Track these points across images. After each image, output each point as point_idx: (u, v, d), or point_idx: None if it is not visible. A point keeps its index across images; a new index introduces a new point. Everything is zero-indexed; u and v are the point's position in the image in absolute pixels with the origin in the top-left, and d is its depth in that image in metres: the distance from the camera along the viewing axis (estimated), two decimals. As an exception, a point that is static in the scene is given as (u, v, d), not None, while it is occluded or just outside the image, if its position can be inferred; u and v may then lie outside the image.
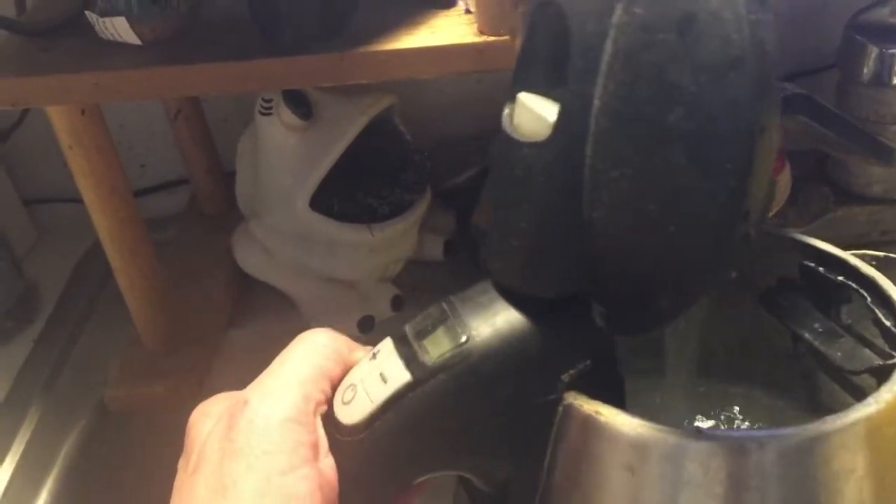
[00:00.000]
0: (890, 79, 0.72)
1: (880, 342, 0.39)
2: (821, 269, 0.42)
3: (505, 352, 0.33)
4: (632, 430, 0.33)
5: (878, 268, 0.40)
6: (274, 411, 0.33)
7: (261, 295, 0.77)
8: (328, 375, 0.35)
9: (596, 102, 0.30)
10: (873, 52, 0.72)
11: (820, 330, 0.41)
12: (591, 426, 0.33)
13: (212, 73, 0.55)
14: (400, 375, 0.33)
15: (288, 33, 0.54)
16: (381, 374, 0.33)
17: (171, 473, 0.34)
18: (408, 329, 0.35)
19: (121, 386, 0.71)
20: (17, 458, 0.68)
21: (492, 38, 0.54)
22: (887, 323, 0.39)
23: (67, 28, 0.59)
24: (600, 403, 0.33)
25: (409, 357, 0.33)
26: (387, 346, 0.35)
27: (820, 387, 0.44)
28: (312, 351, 0.35)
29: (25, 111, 0.84)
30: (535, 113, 0.32)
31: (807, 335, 0.41)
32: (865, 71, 0.73)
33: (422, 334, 0.34)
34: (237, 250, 0.76)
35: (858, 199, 0.78)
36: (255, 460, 0.31)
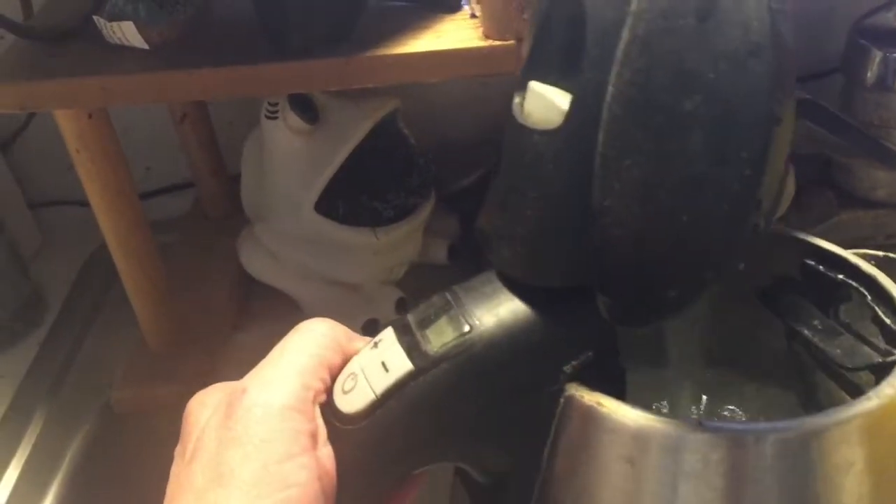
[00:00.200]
0: (894, 83, 0.72)
1: (879, 341, 0.39)
2: (821, 267, 0.42)
3: (508, 342, 0.33)
4: (633, 422, 0.33)
5: (877, 267, 0.40)
6: (272, 400, 0.33)
7: (265, 298, 0.77)
8: (327, 365, 0.35)
9: (610, 90, 0.30)
10: (878, 56, 0.72)
11: (819, 327, 0.41)
12: (592, 417, 0.33)
13: (218, 78, 0.56)
14: (401, 364, 0.33)
15: (294, 38, 0.54)
16: (383, 363, 0.33)
17: (176, 475, 0.34)
18: (410, 318, 0.35)
19: (126, 388, 0.71)
20: (23, 459, 0.68)
21: (497, 43, 0.54)
22: (887, 321, 0.39)
23: (75, 32, 0.59)
24: (602, 395, 0.33)
25: (412, 346, 0.33)
26: (389, 334, 0.35)
27: (817, 385, 0.44)
28: (311, 340, 0.35)
29: (31, 115, 0.84)
30: (548, 100, 0.32)
31: (806, 332, 0.41)
32: (870, 75, 0.73)
33: (424, 323, 0.34)
34: (242, 253, 0.77)
35: (863, 203, 0.78)
36: (253, 448, 0.31)
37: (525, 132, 0.32)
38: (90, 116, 0.58)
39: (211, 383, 0.35)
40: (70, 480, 0.69)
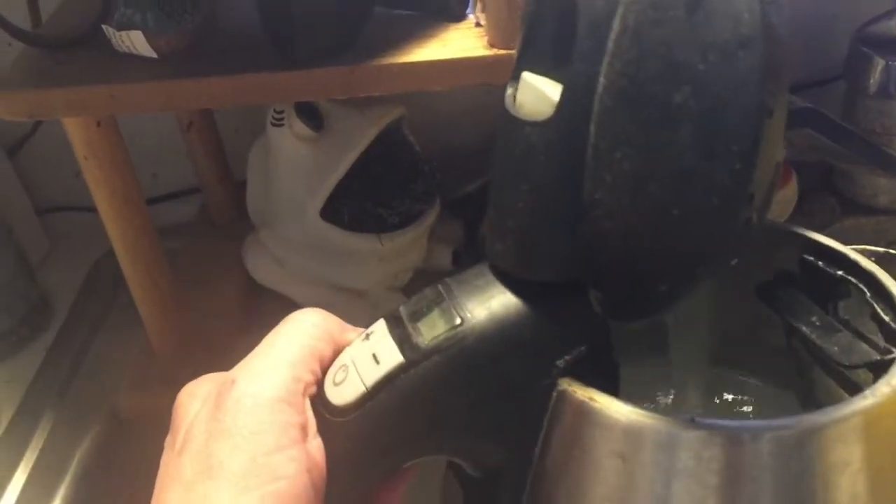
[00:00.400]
0: (896, 91, 0.73)
1: (877, 338, 0.39)
2: (820, 263, 0.41)
3: (500, 335, 0.33)
4: (625, 418, 0.32)
5: (877, 264, 0.40)
6: (262, 391, 0.32)
7: (271, 303, 0.77)
8: (318, 356, 0.34)
9: (601, 81, 0.29)
10: (880, 64, 0.73)
11: (817, 324, 0.41)
12: (584, 412, 0.33)
13: (226, 86, 0.56)
14: (393, 357, 0.33)
15: (301, 47, 0.54)
16: (374, 355, 0.33)
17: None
18: (402, 310, 0.34)
19: (133, 393, 0.71)
20: (30, 465, 0.68)
21: (502, 52, 0.55)
22: (886, 318, 0.38)
23: (83, 41, 0.60)
24: (594, 390, 0.33)
25: (403, 338, 0.33)
26: (380, 326, 0.34)
27: (815, 382, 0.44)
28: (302, 331, 0.35)
29: (39, 121, 0.85)
30: (539, 91, 0.32)
31: (804, 329, 0.41)
32: (872, 83, 0.74)
33: (416, 315, 0.34)
34: (248, 259, 0.77)
35: (864, 210, 0.78)
36: (242, 440, 0.31)
37: (517, 124, 0.32)
38: (99, 124, 0.59)
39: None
40: (77, 485, 0.69)
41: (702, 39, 0.28)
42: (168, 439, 0.34)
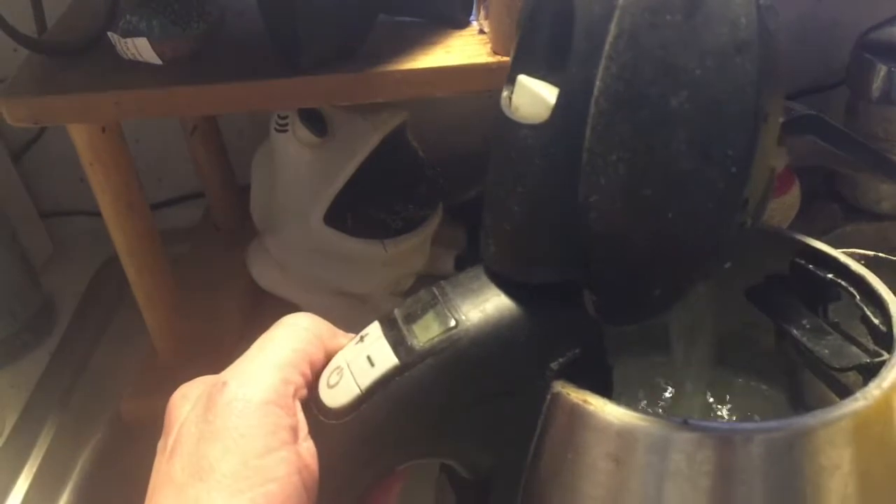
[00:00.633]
0: (899, 96, 0.73)
1: (867, 341, 0.39)
2: (810, 265, 0.41)
3: (494, 338, 0.33)
4: (618, 420, 0.32)
5: (867, 267, 0.40)
6: (253, 394, 0.32)
7: (275, 308, 0.76)
8: (309, 359, 0.34)
9: (598, 84, 0.29)
10: (882, 70, 0.73)
11: (808, 327, 0.41)
12: (578, 415, 0.33)
13: (230, 92, 0.56)
14: (387, 359, 0.33)
15: (306, 53, 0.54)
16: (369, 358, 0.33)
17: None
18: (397, 312, 0.34)
19: (136, 398, 0.71)
20: (34, 469, 0.69)
21: (505, 58, 0.55)
22: (876, 321, 0.38)
23: (88, 47, 0.60)
24: (588, 392, 0.33)
25: (398, 341, 0.33)
26: (375, 329, 0.34)
27: (805, 384, 0.44)
28: (293, 335, 0.35)
29: (43, 126, 0.85)
30: (535, 94, 0.32)
31: (794, 331, 0.41)
32: (874, 89, 0.74)
33: (411, 318, 0.34)
34: (251, 264, 0.77)
35: (867, 216, 0.78)
36: (233, 443, 0.31)
37: (513, 126, 0.32)
38: (104, 130, 0.59)
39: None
40: (80, 490, 0.69)
41: (698, 44, 0.28)
42: (160, 443, 0.34)
